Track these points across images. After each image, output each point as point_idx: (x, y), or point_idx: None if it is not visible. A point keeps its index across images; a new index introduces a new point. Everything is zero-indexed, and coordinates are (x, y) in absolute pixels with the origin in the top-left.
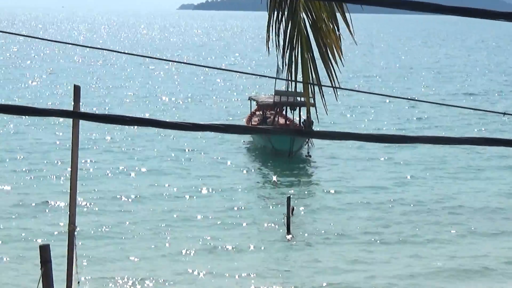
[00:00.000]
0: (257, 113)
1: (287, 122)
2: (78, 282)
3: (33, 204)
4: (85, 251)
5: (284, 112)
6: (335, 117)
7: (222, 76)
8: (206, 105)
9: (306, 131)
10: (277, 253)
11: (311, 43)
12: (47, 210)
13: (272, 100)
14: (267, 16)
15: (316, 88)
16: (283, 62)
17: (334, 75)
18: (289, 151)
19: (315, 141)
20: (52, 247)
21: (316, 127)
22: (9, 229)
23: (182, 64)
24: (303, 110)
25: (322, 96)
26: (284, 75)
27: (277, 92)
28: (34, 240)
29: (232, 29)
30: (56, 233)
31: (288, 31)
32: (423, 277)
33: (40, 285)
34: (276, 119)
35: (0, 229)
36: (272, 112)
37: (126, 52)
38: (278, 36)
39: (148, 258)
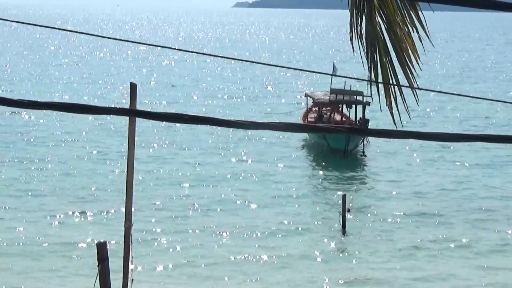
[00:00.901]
0: (313, 109)
1: (343, 120)
2: (132, 280)
3: (90, 201)
4: (141, 248)
5: (340, 110)
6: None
7: (281, 73)
8: (264, 103)
9: (368, 129)
10: (332, 251)
11: (388, 47)
12: (103, 207)
13: (328, 97)
14: (349, 15)
15: (373, 88)
16: (368, 64)
17: (412, 78)
18: (345, 150)
19: (372, 139)
20: (109, 244)
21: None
22: (67, 226)
23: (243, 61)
24: (359, 108)
25: (404, 100)
26: (338, 73)
27: (333, 90)
28: (91, 237)
29: (290, 26)
30: (112, 230)
31: (368, 33)
32: (481, 281)
33: (97, 282)
34: (332, 116)
35: (58, 226)
36: (328, 109)
37: (184, 49)
38: (361, 37)
39: (203, 257)
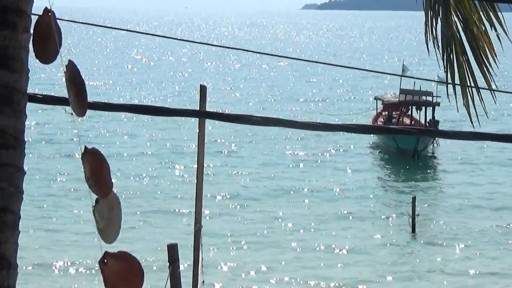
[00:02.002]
0: (383, 113)
1: (412, 122)
2: (203, 282)
3: (160, 203)
4: (211, 250)
5: (410, 112)
6: (465, 117)
7: (351, 75)
8: (335, 106)
9: (438, 130)
10: (401, 253)
11: (465, 45)
12: (174, 209)
13: (397, 99)
14: (424, 16)
15: (448, 89)
16: (444, 64)
17: (490, 78)
18: (414, 151)
19: (442, 141)
20: (179, 246)
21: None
22: (137, 228)
23: (311, 63)
24: (429, 110)
25: (481, 100)
26: (409, 73)
27: (403, 91)
28: (161, 239)
29: (360, 28)
30: (182, 232)
31: (444, 33)
32: None
33: (168, 284)
34: (401, 118)
35: (129, 228)
36: (397, 112)
37: (254, 50)
38: (435, 37)
39: (272, 258)
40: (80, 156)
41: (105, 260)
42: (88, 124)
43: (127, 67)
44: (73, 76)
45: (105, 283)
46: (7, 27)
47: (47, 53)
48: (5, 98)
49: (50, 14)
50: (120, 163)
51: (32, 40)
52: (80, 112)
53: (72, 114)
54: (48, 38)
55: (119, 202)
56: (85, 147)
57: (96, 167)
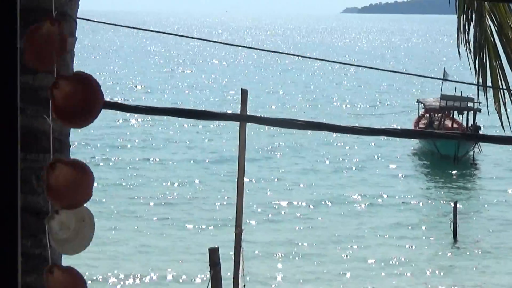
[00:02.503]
0: (425, 116)
1: (454, 126)
2: (244, 286)
3: (201, 207)
4: (252, 254)
5: (451, 116)
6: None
7: (394, 79)
8: (377, 108)
9: (479, 135)
10: (443, 258)
11: (498, 50)
12: (215, 213)
13: (439, 103)
14: (456, 20)
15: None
16: (475, 68)
17: None
18: (455, 156)
19: (484, 147)
20: (220, 250)
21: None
22: (179, 232)
23: (353, 67)
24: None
25: None
26: (450, 78)
27: (444, 96)
28: (203, 243)
29: (400, 31)
30: (223, 236)
31: (477, 37)
32: None
33: (209, 287)
34: (443, 122)
35: (171, 232)
36: (439, 116)
37: (293, 53)
38: (468, 42)
39: (312, 268)
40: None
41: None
42: (130, 128)
43: (169, 70)
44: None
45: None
46: None
47: (42, 60)
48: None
49: (54, 22)
50: (160, 167)
51: (25, 46)
52: (68, 123)
53: (50, 124)
54: (47, 45)
55: (92, 215)
56: (56, 158)
57: (73, 178)
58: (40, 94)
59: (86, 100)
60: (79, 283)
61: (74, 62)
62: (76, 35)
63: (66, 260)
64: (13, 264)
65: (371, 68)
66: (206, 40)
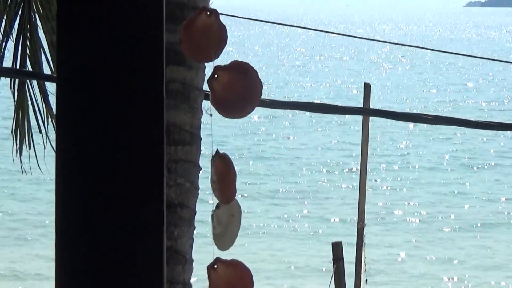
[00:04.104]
0: None
1: None
2: (366, 280)
3: (324, 201)
4: (374, 249)
5: None
6: None
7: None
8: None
9: None
10: None
11: None
12: (338, 207)
13: None
14: None
15: None
16: None
17: None
18: None
19: None
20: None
21: None
22: (301, 226)
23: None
24: None
25: None
26: None
27: None
28: (325, 237)
29: None
30: (346, 230)
31: None
32: None
33: (332, 282)
34: None
35: (294, 226)
36: None
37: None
38: None
39: (438, 264)
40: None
41: (215, 266)
42: (253, 124)
43: (289, 64)
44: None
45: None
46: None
47: (201, 52)
48: (182, 94)
49: (209, 12)
50: (284, 160)
51: (182, 39)
52: (227, 113)
53: (211, 114)
54: (204, 37)
55: (240, 210)
56: (217, 150)
57: (223, 172)
58: (170, 87)
59: (245, 89)
60: (245, 277)
61: None
62: None
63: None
64: (159, 259)
65: (500, 61)
66: (325, 32)
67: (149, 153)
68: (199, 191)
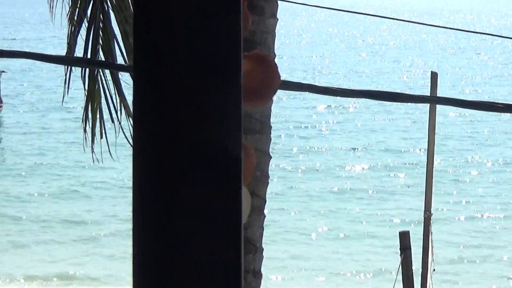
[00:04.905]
0: None
1: None
2: (434, 270)
3: (390, 190)
4: (441, 237)
5: None
6: None
7: None
8: None
9: None
10: None
11: None
12: (404, 196)
13: None
14: None
15: None
16: None
17: None
18: None
19: None
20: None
21: None
22: (367, 214)
23: None
24: None
25: None
26: None
27: None
28: (392, 226)
29: None
30: (411, 219)
31: None
32: None
33: (400, 271)
34: None
35: (356, 216)
36: None
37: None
38: None
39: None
40: None
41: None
42: (306, 111)
43: (355, 53)
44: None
45: None
46: (255, 12)
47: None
48: None
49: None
50: (344, 149)
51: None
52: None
53: None
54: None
55: (249, 196)
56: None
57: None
58: None
59: (264, 79)
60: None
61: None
62: (278, 17)
63: None
64: (238, 247)
65: None
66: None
67: (227, 146)
68: (269, 180)
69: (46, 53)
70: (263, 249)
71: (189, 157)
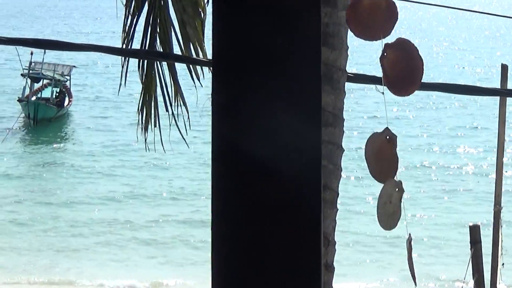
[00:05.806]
0: None
1: None
2: (503, 264)
3: (460, 183)
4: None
5: None
6: None
7: None
8: None
9: None
10: None
11: None
12: (474, 189)
13: None
14: None
15: None
16: None
17: None
18: None
19: None
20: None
21: None
22: (437, 208)
23: None
24: None
25: None
26: None
27: None
28: (461, 219)
29: None
30: (483, 213)
31: None
32: None
33: (470, 264)
34: None
35: (428, 208)
36: None
37: None
38: None
39: None
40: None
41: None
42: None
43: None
44: (403, 55)
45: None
46: (328, 4)
47: (369, 30)
48: (324, 75)
49: None
50: (409, 142)
51: (348, 16)
52: (396, 91)
53: (383, 93)
54: (371, 15)
55: (402, 190)
56: (386, 128)
57: (381, 150)
58: None
59: (408, 67)
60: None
61: None
62: None
63: None
64: (317, 242)
65: None
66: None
67: (307, 138)
68: (342, 173)
69: (106, 45)
70: (335, 243)
71: (269, 156)
